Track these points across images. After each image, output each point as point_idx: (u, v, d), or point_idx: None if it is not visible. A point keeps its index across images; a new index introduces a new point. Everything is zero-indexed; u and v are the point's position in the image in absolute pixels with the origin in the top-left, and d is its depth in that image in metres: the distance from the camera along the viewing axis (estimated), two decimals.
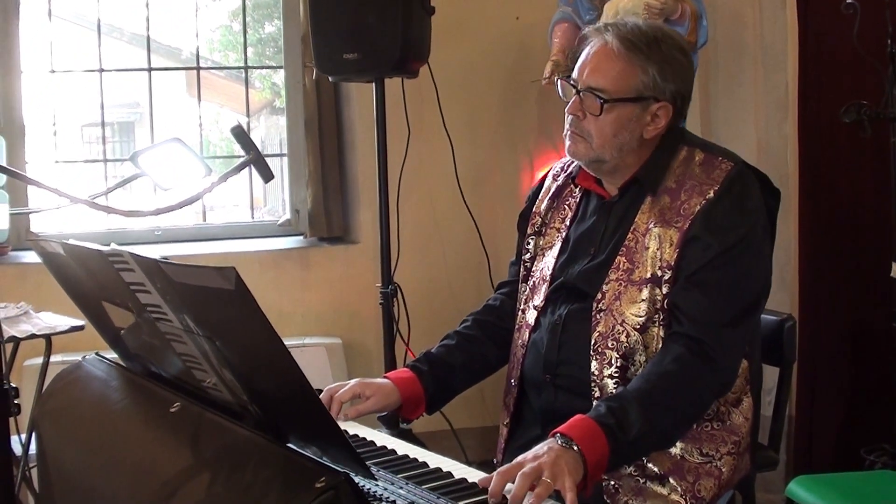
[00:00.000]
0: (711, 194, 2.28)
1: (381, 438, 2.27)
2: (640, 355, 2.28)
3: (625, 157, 2.39)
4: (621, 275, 2.34)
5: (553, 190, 2.62)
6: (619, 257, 2.36)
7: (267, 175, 1.98)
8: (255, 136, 6.47)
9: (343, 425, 2.35)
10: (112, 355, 2.26)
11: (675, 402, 2.19)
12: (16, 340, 3.43)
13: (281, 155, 5.46)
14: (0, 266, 4.69)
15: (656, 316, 2.28)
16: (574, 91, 2.38)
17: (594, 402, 2.27)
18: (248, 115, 5.67)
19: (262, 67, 6.52)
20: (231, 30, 10.26)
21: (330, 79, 4.37)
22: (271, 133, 10.90)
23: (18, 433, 3.38)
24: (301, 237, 5.19)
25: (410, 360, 2.68)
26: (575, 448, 1.98)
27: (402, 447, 2.19)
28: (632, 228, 2.36)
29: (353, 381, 2.47)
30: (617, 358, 2.29)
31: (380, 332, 4.27)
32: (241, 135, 1.97)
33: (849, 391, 4.59)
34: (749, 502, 3.28)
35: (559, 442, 1.99)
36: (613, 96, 2.32)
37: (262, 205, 6.21)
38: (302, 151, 5.08)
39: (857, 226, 4.57)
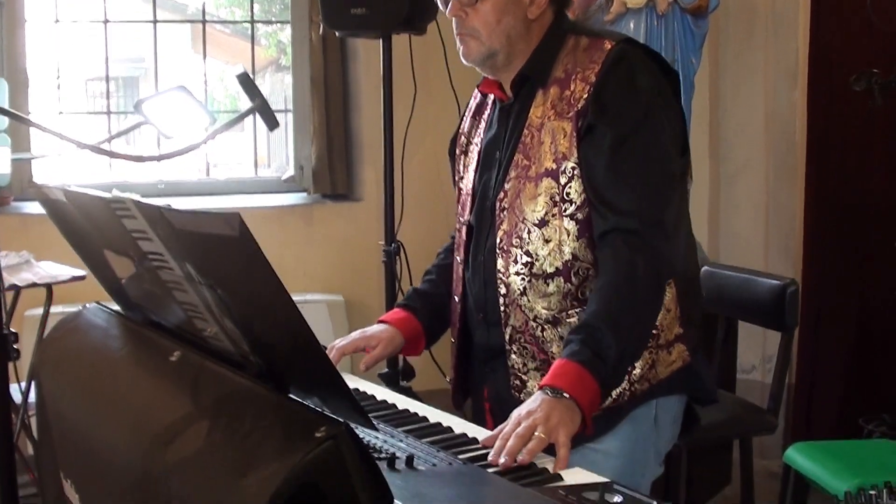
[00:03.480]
0: (593, 77, 2.23)
1: (383, 393, 2.27)
2: (543, 249, 2.26)
3: (514, 45, 2.33)
4: (520, 172, 2.31)
5: (473, 108, 2.61)
6: (517, 155, 2.33)
7: (272, 123, 1.96)
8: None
9: (346, 380, 2.36)
10: (113, 305, 2.25)
11: (637, 304, 2.16)
12: (16, 289, 3.42)
13: (286, 111, 5.43)
14: (2, 216, 4.68)
15: (555, 209, 2.24)
16: None
17: (502, 305, 2.30)
18: (253, 72, 5.63)
19: (268, 22, 6.48)
20: None
21: (337, 34, 4.34)
22: (276, 91, 10.86)
23: (18, 381, 3.38)
24: (305, 194, 5.17)
25: (400, 300, 2.72)
26: (566, 396, 1.98)
27: (403, 402, 2.19)
28: (526, 125, 2.33)
29: (355, 334, 2.51)
30: (521, 255, 2.28)
31: (382, 289, 4.26)
32: (246, 81, 1.95)
33: (850, 360, 4.59)
34: (747, 467, 3.29)
35: (549, 394, 1.99)
36: None
37: (266, 163, 6.18)
38: (307, 108, 5.06)
39: (863, 195, 4.55)
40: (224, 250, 1.48)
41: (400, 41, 4.29)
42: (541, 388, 2.03)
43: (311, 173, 5.05)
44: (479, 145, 2.50)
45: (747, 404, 3.33)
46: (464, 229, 2.49)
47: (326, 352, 2.41)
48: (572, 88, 2.26)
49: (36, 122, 1.89)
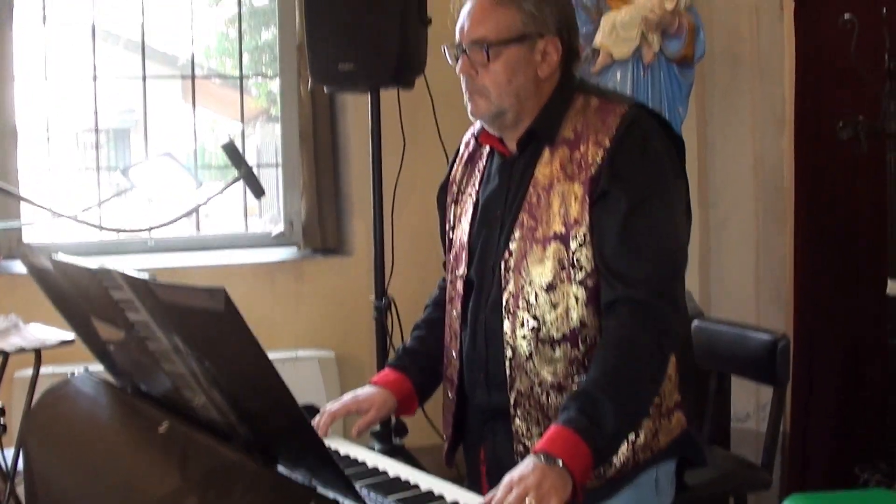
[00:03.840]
0: (608, 142, 2.20)
1: (373, 458, 2.25)
2: (550, 314, 2.23)
3: (524, 104, 2.31)
4: (525, 233, 2.27)
5: (465, 156, 2.57)
6: (522, 214, 2.29)
7: (258, 191, 1.97)
8: (251, 144, 6.42)
9: (335, 444, 2.34)
10: (101, 371, 2.24)
11: (639, 376, 2.13)
12: (5, 354, 3.40)
13: (276, 165, 5.44)
14: None
15: (563, 273, 2.22)
16: (460, 51, 2.32)
17: (508, 368, 2.27)
18: (242, 123, 5.65)
19: (258, 76, 6.50)
20: (227, 36, 10.25)
21: (325, 89, 4.35)
22: (267, 142, 10.88)
23: (2, 449, 3.35)
24: (295, 248, 5.17)
25: (390, 359, 2.68)
26: (559, 464, 1.95)
27: (394, 467, 2.16)
28: (532, 183, 2.29)
29: (346, 397, 2.46)
30: (528, 319, 2.25)
31: (373, 345, 4.25)
32: (232, 151, 1.95)
33: (843, 408, 4.57)
34: None
35: (542, 460, 1.97)
36: (496, 41, 2.26)
37: (257, 213, 6.18)
38: (296, 162, 5.07)
39: (853, 242, 4.55)
40: (210, 324, 1.48)
41: (388, 95, 4.30)
42: (535, 452, 2.01)
43: (300, 228, 5.05)
44: (475, 197, 2.46)
45: (742, 461, 3.31)
46: (459, 283, 2.45)
47: (318, 416, 2.39)
48: (583, 151, 2.23)
49: (23, 196, 1.89)
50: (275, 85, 5.96)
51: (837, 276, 4.59)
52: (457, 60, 2.34)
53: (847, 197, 4.58)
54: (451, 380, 2.50)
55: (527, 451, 2.24)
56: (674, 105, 4.62)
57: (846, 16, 4.00)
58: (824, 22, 4.55)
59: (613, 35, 4.53)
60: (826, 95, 4.61)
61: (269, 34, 8.24)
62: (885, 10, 4.00)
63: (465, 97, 2.36)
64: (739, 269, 5.27)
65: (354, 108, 4.90)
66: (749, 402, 5.11)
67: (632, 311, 2.14)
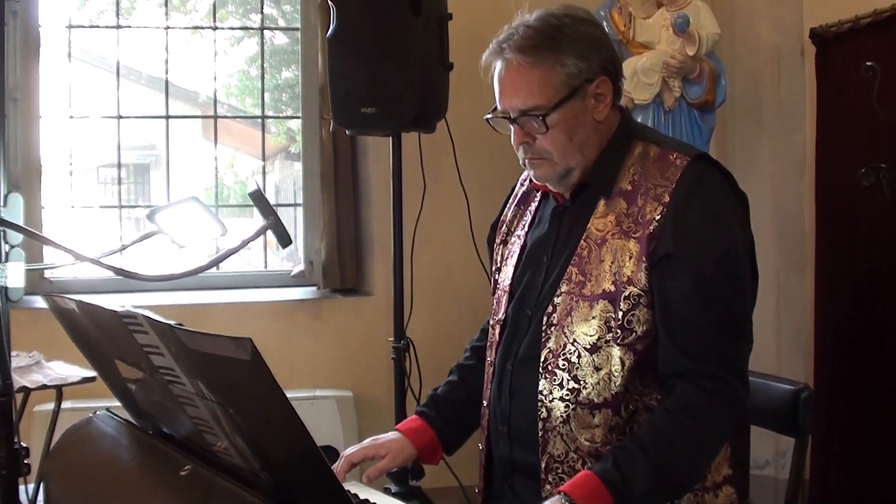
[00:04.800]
0: (667, 198, 2.10)
1: (390, 502, 2.25)
2: (592, 377, 2.13)
3: (589, 156, 2.22)
4: (573, 287, 2.18)
5: (519, 196, 2.49)
6: (570, 267, 2.20)
7: (285, 241, 1.98)
8: (270, 181, 6.48)
9: (352, 487, 2.33)
10: (122, 411, 2.25)
11: (692, 446, 2.07)
12: (27, 391, 3.42)
13: (296, 205, 5.46)
14: (12, 310, 4.67)
15: (609, 335, 2.12)
16: (510, 121, 2.22)
17: (541, 430, 2.19)
18: (263, 161, 5.69)
19: (279, 117, 6.55)
20: (248, 75, 10.35)
21: (347, 132, 4.37)
22: (286, 178, 10.96)
23: (26, 484, 3.35)
24: (314, 288, 5.17)
25: (420, 404, 2.62)
26: None
27: None
28: (584, 236, 2.20)
29: (365, 442, 2.43)
30: (568, 380, 2.15)
31: (391, 386, 4.24)
32: (259, 199, 1.97)
33: (864, 457, 4.54)
34: None
35: (563, 501, 1.96)
36: (550, 105, 2.15)
37: (275, 248, 6.21)
38: (317, 202, 5.08)
39: (874, 290, 4.53)
40: (235, 372, 1.49)
41: (409, 138, 4.33)
42: (558, 491, 1.99)
43: (320, 268, 5.06)
44: (523, 239, 2.39)
45: None
46: (497, 329, 2.39)
47: (338, 461, 2.38)
48: (640, 205, 2.14)
49: (48, 238, 1.91)
50: (294, 122, 6.00)
51: (858, 324, 4.57)
52: (506, 128, 2.24)
53: (869, 245, 4.57)
54: (483, 429, 2.44)
55: None
56: None
57: (868, 63, 4.01)
58: (846, 69, 4.56)
59: (635, 80, 4.55)
60: (847, 142, 4.61)
61: (289, 73, 8.31)
62: None
63: (523, 162, 2.27)
64: (760, 315, 5.21)
65: (375, 149, 4.92)
66: (768, 449, 5.08)
67: (699, 384, 2.07)
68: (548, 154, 2.21)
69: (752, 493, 3.92)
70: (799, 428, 2.50)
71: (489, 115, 2.29)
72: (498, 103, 2.25)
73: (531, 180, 2.40)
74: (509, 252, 2.44)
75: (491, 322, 2.46)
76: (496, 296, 2.45)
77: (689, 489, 2.14)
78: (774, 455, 5.13)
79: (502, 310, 2.38)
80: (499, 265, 2.49)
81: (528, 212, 2.44)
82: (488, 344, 2.45)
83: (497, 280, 2.48)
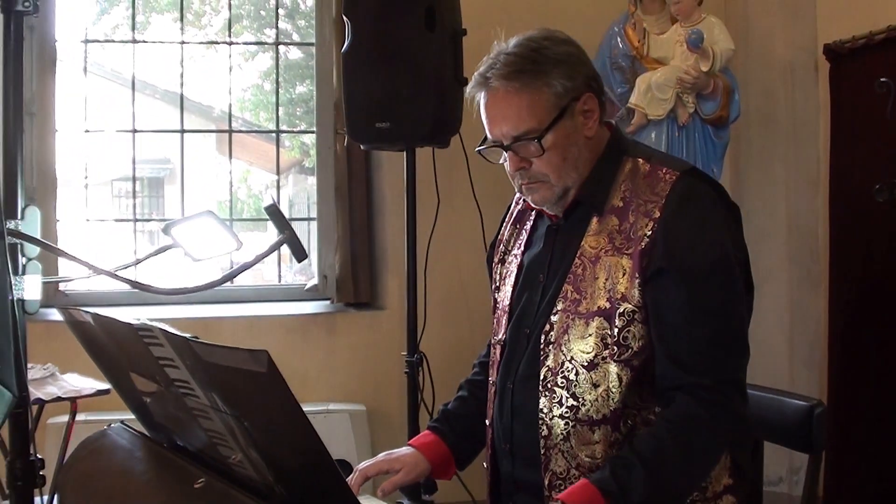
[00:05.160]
0: (658, 213, 2.11)
1: None
2: (591, 394, 2.13)
3: (583, 173, 2.24)
4: (568, 305, 2.19)
5: (514, 215, 2.52)
6: (566, 285, 2.21)
7: (300, 255, 1.99)
8: (284, 196, 6.49)
9: (367, 502, 2.33)
10: (136, 423, 2.25)
11: (689, 456, 2.07)
12: (41, 403, 3.43)
13: (309, 219, 5.48)
14: (27, 323, 4.68)
15: (606, 352, 2.12)
16: (503, 149, 2.23)
17: (542, 448, 2.20)
18: (278, 176, 5.71)
19: (294, 132, 6.57)
20: (262, 89, 10.39)
21: (361, 146, 4.39)
22: (299, 192, 10.98)
23: (41, 496, 3.36)
24: (328, 302, 5.18)
25: (431, 419, 2.63)
26: None
27: None
28: (578, 254, 2.21)
29: (379, 457, 2.44)
30: (567, 397, 2.16)
31: (404, 400, 4.24)
32: (275, 213, 1.98)
33: (877, 474, 4.52)
34: None
35: None
36: (543, 127, 2.17)
37: (289, 262, 6.22)
38: (331, 216, 5.09)
39: (888, 306, 4.52)
40: (251, 384, 1.49)
41: (424, 153, 4.34)
42: (555, 499, 2.00)
43: (334, 282, 5.07)
44: (520, 258, 2.41)
45: None
46: (497, 348, 2.40)
47: (352, 475, 2.38)
48: (632, 221, 2.15)
49: (64, 251, 1.92)
50: (307, 136, 6.01)
51: (872, 339, 4.55)
52: (499, 159, 2.25)
53: (883, 260, 4.56)
54: (488, 447, 2.46)
55: None
56: (708, 165, 4.62)
57: (882, 79, 4.01)
58: (860, 85, 4.55)
59: (649, 95, 4.55)
60: (861, 157, 4.60)
61: (303, 88, 8.33)
62: None
63: (520, 189, 2.28)
64: (773, 331, 5.24)
65: (389, 164, 4.93)
66: (781, 465, 5.07)
67: (696, 397, 2.07)
68: (545, 177, 2.23)
69: None
70: (813, 444, 2.48)
71: (481, 147, 2.30)
72: (488, 133, 2.26)
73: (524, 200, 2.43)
74: (507, 271, 2.46)
75: (492, 342, 2.48)
76: (496, 315, 2.47)
77: (686, 496, 2.15)
78: (788, 471, 5.11)
79: (502, 330, 2.40)
80: (498, 284, 2.50)
81: (523, 230, 2.46)
82: (490, 363, 2.47)
83: (496, 299, 2.50)
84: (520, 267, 2.41)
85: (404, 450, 2.47)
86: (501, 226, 2.57)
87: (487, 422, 2.43)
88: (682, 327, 2.09)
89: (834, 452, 4.47)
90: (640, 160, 2.24)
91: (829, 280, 4.74)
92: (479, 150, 2.31)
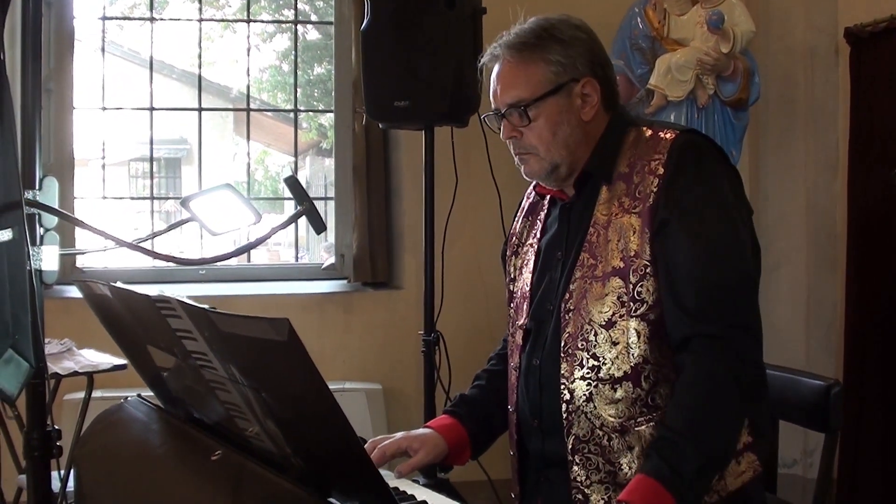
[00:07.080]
0: (661, 169, 2.16)
1: (422, 492, 2.24)
2: (610, 352, 2.16)
3: (575, 152, 2.29)
4: (586, 272, 2.22)
5: (526, 208, 2.56)
6: (582, 254, 2.25)
7: (319, 226, 1.98)
8: (301, 177, 6.48)
9: (384, 478, 2.33)
10: (154, 397, 2.26)
11: (721, 413, 2.07)
12: (58, 377, 3.44)
13: (327, 199, 5.47)
14: (45, 299, 4.71)
15: (623, 309, 2.15)
16: (499, 116, 2.31)
17: (564, 413, 2.22)
18: (296, 157, 5.70)
19: (312, 111, 6.56)
20: (280, 70, 10.39)
21: (380, 125, 4.38)
22: (317, 173, 10.98)
23: (59, 469, 3.38)
24: (345, 281, 5.18)
25: (447, 405, 2.63)
26: None
27: (438, 501, 2.15)
28: (592, 222, 2.25)
29: (398, 435, 2.43)
30: (587, 358, 2.19)
31: (420, 379, 4.24)
32: (294, 185, 1.97)
33: (892, 454, 4.51)
34: None
35: None
36: (531, 98, 2.25)
37: (305, 245, 6.22)
38: (349, 196, 5.09)
39: None
40: (270, 354, 1.49)
41: (442, 132, 4.32)
42: (618, 501, 1.99)
43: (351, 261, 5.07)
44: (536, 246, 2.44)
45: None
46: (518, 334, 2.42)
47: (368, 446, 2.38)
48: (637, 181, 2.19)
49: (84, 222, 1.92)
50: (325, 118, 6.01)
51: (888, 322, 4.54)
52: (499, 127, 2.33)
53: None
54: (511, 435, 2.47)
55: (586, 499, 2.20)
56: (727, 148, 4.60)
57: None
58: (880, 68, 4.53)
59: (668, 77, 4.53)
60: (880, 142, 4.58)
61: (321, 69, 8.32)
62: None
63: (516, 161, 2.35)
64: (790, 313, 5.23)
65: (407, 143, 4.93)
66: (796, 448, 5.06)
67: (707, 346, 2.08)
68: (534, 149, 2.30)
69: (780, 492, 3.90)
70: (829, 424, 2.48)
71: (485, 114, 2.39)
72: (491, 102, 2.36)
73: (534, 190, 2.52)
74: (523, 262, 2.50)
75: (511, 329, 2.50)
76: (514, 304, 2.50)
77: (734, 452, 2.15)
78: (802, 454, 5.10)
79: (524, 315, 2.42)
80: (513, 276, 2.54)
81: (537, 221, 2.50)
82: (510, 351, 2.49)
83: (512, 291, 2.53)
84: (537, 253, 2.44)
85: (423, 430, 2.47)
86: (514, 221, 2.61)
87: (511, 408, 2.44)
88: (687, 273, 2.11)
89: (848, 435, 4.47)
90: (644, 128, 2.30)
91: (846, 263, 4.73)
92: (482, 117, 2.42)
